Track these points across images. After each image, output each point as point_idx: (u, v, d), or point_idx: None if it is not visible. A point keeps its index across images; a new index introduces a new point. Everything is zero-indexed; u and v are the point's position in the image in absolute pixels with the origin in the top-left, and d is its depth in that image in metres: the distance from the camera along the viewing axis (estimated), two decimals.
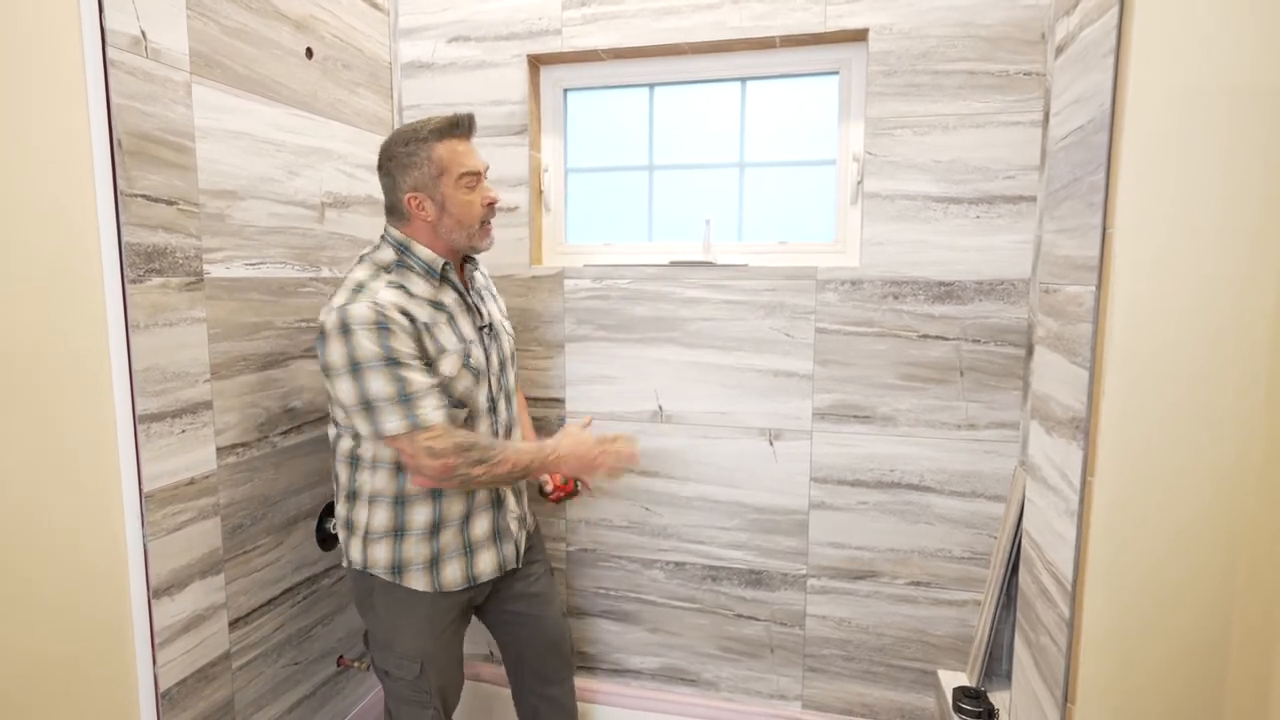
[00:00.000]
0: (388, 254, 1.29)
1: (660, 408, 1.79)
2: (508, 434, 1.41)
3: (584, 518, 1.88)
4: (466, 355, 1.28)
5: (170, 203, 1.23)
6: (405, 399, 1.17)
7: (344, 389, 1.18)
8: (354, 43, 1.70)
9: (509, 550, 1.40)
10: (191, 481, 1.29)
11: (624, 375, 1.80)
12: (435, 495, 1.29)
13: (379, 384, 1.16)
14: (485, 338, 1.34)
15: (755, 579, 1.79)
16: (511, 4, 1.77)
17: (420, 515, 1.29)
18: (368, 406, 1.17)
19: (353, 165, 1.71)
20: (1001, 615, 1.47)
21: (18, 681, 1.03)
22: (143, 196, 1.18)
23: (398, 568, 1.29)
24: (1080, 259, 0.94)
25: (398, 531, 1.29)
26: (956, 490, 1.64)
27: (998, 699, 1.44)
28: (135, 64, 1.16)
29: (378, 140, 1.79)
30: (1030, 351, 1.54)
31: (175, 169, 1.24)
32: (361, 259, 1.30)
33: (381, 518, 1.28)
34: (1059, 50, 1.11)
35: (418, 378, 1.19)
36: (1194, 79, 0.79)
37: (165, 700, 1.24)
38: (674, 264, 1.77)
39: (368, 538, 1.30)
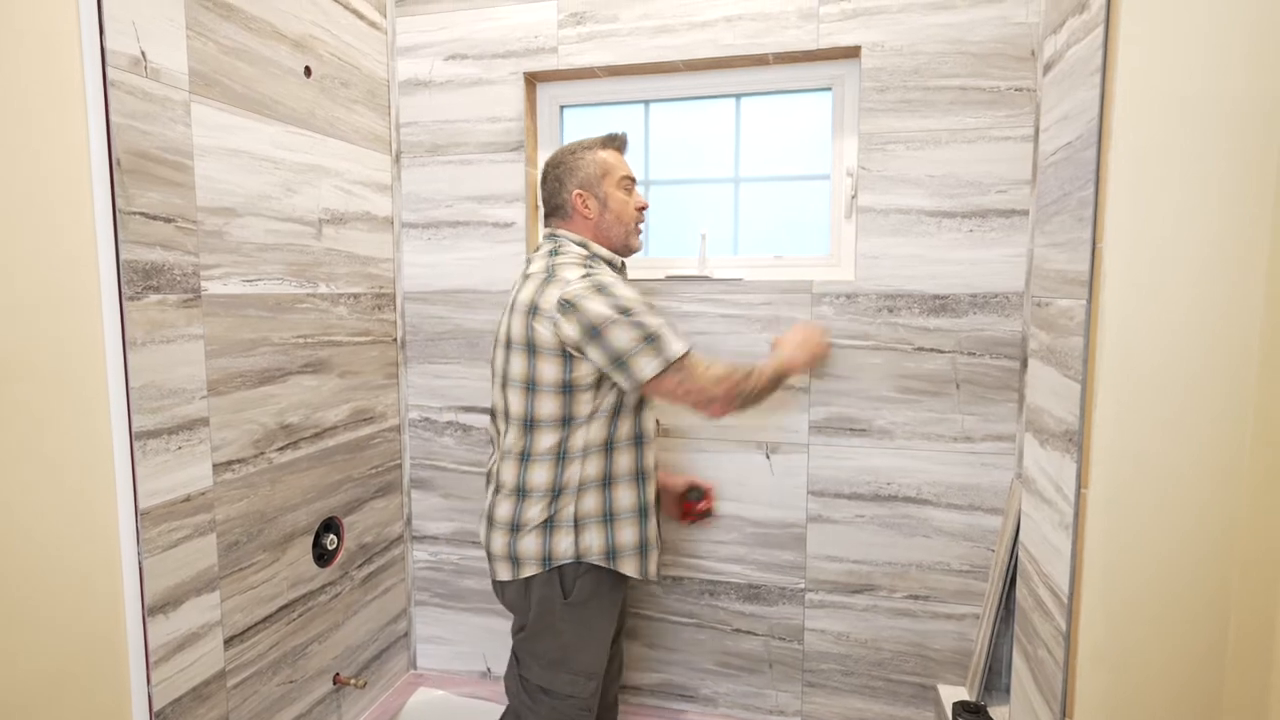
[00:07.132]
0: (578, 249, 1.36)
1: (658, 422, 1.79)
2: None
3: None
4: None
5: (168, 220, 1.24)
6: (671, 326, 1.27)
7: (618, 335, 1.22)
8: (352, 61, 1.72)
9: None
10: (187, 498, 1.29)
11: None
12: (639, 479, 1.36)
13: (652, 319, 1.24)
14: None
15: (753, 593, 1.78)
16: (508, 22, 1.79)
17: (626, 498, 1.34)
18: (650, 339, 1.23)
19: (350, 182, 1.72)
20: (1001, 629, 1.47)
21: (12, 698, 1.02)
22: (141, 214, 1.18)
23: (612, 552, 1.33)
24: (1071, 273, 0.95)
25: (608, 516, 1.33)
26: (954, 503, 1.64)
27: (998, 713, 1.44)
28: (135, 83, 1.17)
29: (376, 157, 1.81)
30: (1025, 364, 1.54)
31: (173, 187, 1.25)
32: (554, 253, 1.35)
33: (592, 503, 1.32)
34: (1047, 67, 1.13)
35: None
36: (1180, 95, 0.80)
37: (159, 719, 1.23)
38: (670, 278, 1.77)
39: (579, 525, 1.31)
